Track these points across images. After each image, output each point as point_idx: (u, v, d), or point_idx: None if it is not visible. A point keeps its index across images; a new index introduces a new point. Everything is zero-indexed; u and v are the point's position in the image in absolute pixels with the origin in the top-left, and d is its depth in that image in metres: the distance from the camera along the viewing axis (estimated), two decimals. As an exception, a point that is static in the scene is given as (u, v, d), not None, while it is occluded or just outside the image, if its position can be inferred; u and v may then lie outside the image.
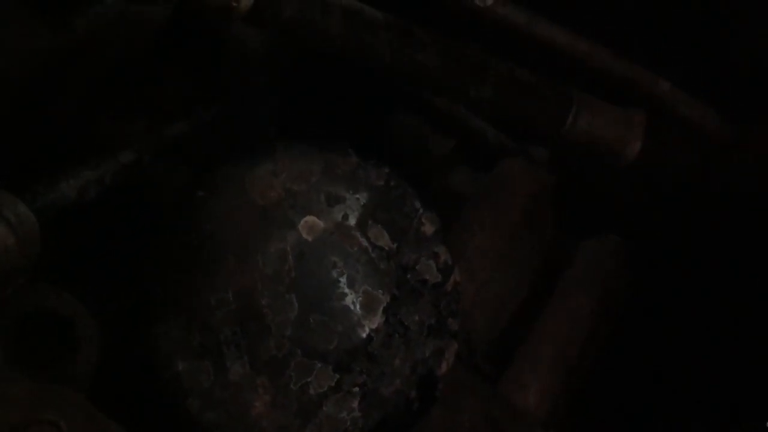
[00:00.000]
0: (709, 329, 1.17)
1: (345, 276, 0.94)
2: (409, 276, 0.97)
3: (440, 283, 0.98)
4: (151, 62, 1.07)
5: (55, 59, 0.99)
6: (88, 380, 0.87)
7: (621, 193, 1.23)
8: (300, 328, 0.91)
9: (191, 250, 0.94)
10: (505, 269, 1.16)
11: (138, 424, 0.85)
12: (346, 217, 0.96)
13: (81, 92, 1.04)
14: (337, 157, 1.00)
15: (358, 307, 0.93)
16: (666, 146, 1.11)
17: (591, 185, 1.24)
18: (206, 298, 0.91)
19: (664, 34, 1.14)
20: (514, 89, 1.06)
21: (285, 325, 0.91)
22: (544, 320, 1.15)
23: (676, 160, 1.12)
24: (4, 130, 0.97)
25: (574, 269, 1.19)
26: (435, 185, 1.27)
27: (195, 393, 0.90)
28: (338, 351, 0.92)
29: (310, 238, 0.94)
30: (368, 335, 0.93)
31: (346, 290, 0.93)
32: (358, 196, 0.98)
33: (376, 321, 0.94)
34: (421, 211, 1.00)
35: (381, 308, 0.94)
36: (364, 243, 0.96)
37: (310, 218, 0.95)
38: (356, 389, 0.92)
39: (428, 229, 1.00)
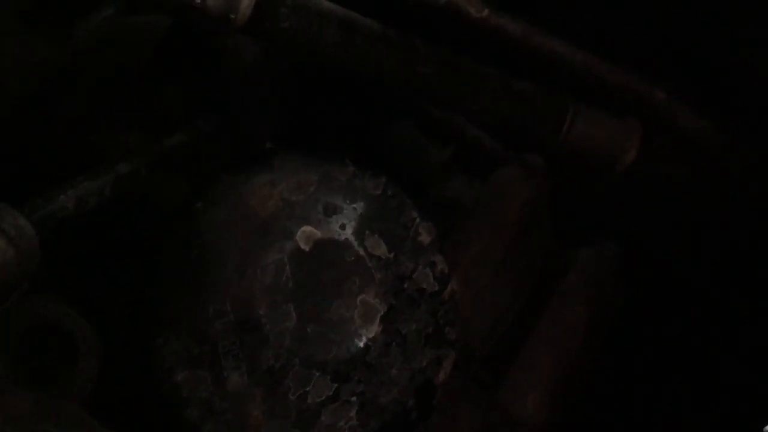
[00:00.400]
0: (706, 336, 1.17)
1: (342, 286, 0.94)
2: (406, 285, 0.97)
3: (437, 292, 0.99)
4: (149, 73, 1.08)
5: (53, 71, 0.99)
6: (87, 392, 0.87)
7: (617, 201, 1.23)
8: (298, 338, 0.92)
9: (189, 261, 0.94)
10: (503, 277, 1.16)
11: (137, 435, 0.85)
12: (343, 227, 0.97)
13: (79, 103, 1.04)
14: (334, 167, 1.00)
15: (355, 316, 0.94)
16: (661, 155, 1.12)
17: (587, 193, 1.25)
18: (205, 308, 0.92)
19: (659, 44, 1.14)
20: (510, 98, 1.07)
21: (283, 335, 0.91)
22: (541, 328, 1.15)
23: (671, 168, 1.13)
24: (3, 142, 0.98)
25: (571, 277, 1.19)
26: (432, 194, 1.27)
27: (194, 403, 0.90)
28: (336, 360, 0.92)
29: (307, 249, 0.95)
30: (366, 345, 0.94)
31: (344, 300, 0.94)
32: (355, 206, 0.98)
33: (373, 330, 0.94)
34: (418, 220, 1.00)
35: (378, 317, 0.95)
36: (362, 253, 0.96)
37: (307, 228, 0.95)
38: (354, 398, 0.92)
39: (425, 238, 1.00)
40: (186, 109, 1.08)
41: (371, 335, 0.94)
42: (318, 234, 0.95)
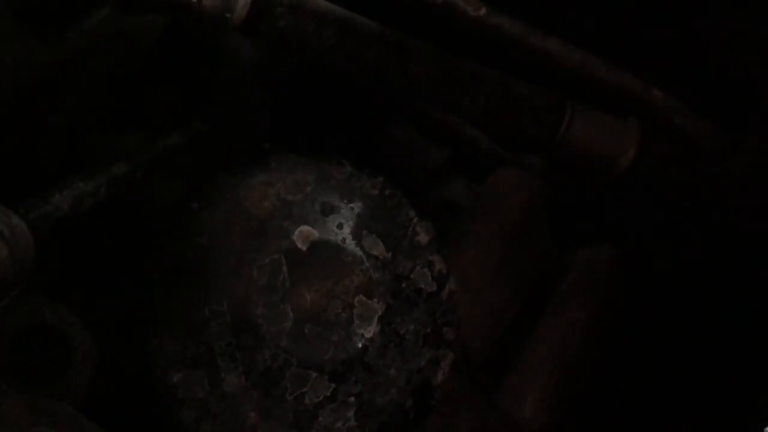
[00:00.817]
0: (705, 337, 1.17)
1: (340, 286, 0.94)
2: (404, 285, 0.97)
3: (435, 292, 0.98)
4: (145, 74, 1.07)
5: (49, 72, 0.99)
6: (82, 393, 0.86)
7: (615, 201, 1.23)
8: (295, 339, 0.91)
9: (186, 262, 0.94)
10: (501, 279, 1.16)
11: (133, 436, 0.85)
12: (340, 226, 0.96)
13: (75, 105, 1.04)
14: (331, 167, 1.00)
15: (353, 316, 0.93)
16: (659, 155, 1.11)
17: (585, 194, 1.25)
18: (201, 309, 0.91)
19: (657, 43, 1.14)
20: (507, 98, 1.06)
21: (280, 336, 0.91)
22: (540, 330, 1.15)
23: (669, 168, 1.13)
24: (-2, 143, 0.97)
25: (569, 278, 1.19)
26: (430, 195, 1.27)
27: (190, 404, 0.90)
28: (334, 361, 0.92)
29: (304, 248, 0.94)
30: (364, 345, 0.93)
31: (341, 300, 0.93)
32: (352, 205, 0.98)
33: (371, 330, 0.94)
34: (415, 220, 1.00)
35: (376, 318, 0.94)
36: (359, 252, 0.96)
37: (304, 228, 0.95)
38: (352, 399, 0.92)
39: (423, 238, 1.00)
40: (182, 110, 1.08)
41: (369, 335, 0.93)
42: (315, 234, 0.95)
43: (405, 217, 1.00)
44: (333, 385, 0.91)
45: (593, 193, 1.23)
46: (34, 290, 0.86)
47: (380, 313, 0.94)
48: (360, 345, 0.93)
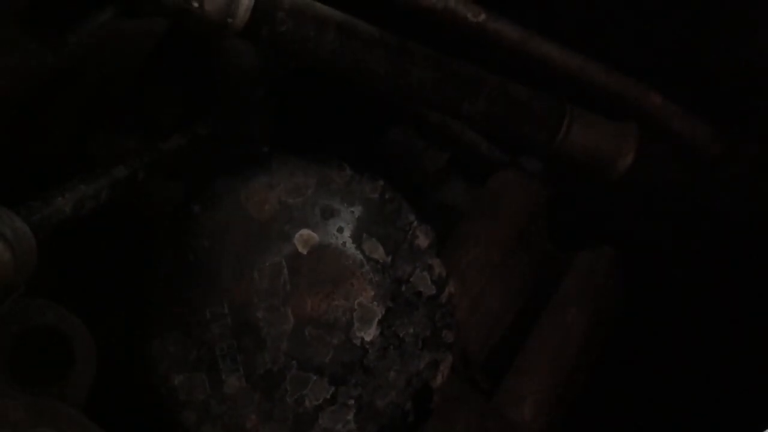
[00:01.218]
0: (704, 339, 1.17)
1: (340, 289, 0.94)
2: (403, 288, 0.97)
3: (435, 295, 0.98)
4: (146, 77, 1.08)
5: (50, 76, 0.99)
6: (84, 395, 0.87)
7: (614, 204, 1.23)
8: (295, 341, 0.92)
9: (187, 264, 0.94)
10: (500, 282, 1.16)
11: (134, 438, 0.85)
12: (341, 230, 0.97)
13: (76, 108, 1.04)
14: (331, 170, 1.00)
15: (353, 319, 0.94)
16: (658, 159, 1.12)
17: (584, 198, 1.25)
18: (202, 311, 0.92)
19: (656, 48, 1.14)
20: (507, 103, 1.07)
21: (280, 338, 0.91)
22: (538, 333, 1.15)
23: (667, 172, 1.13)
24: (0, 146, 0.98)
25: (568, 281, 1.19)
26: (429, 199, 1.27)
27: (191, 406, 0.90)
28: (334, 364, 0.92)
29: (305, 252, 0.95)
30: (363, 348, 0.94)
31: (341, 303, 0.94)
32: (352, 209, 0.98)
33: (371, 333, 0.94)
34: (415, 223, 1.00)
35: (376, 321, 0.95)
36: (359, 256, 0.96)
37: (305, 231, 0.95)
38: (352, 402, 0.92)
39: (423, 241, 1.00)
40: (183, 113, 1.08)
41: (369, 338, 0.94)
42: (315, 237, 0.95)
43: (405, 221, 1.00)
44: (333, 388, 0.92)
45: (592, 197, 1.24)
46: (36, 292, 0.87)
47: (380, 316, 0.95)
48: (360, 348, 0.93)
